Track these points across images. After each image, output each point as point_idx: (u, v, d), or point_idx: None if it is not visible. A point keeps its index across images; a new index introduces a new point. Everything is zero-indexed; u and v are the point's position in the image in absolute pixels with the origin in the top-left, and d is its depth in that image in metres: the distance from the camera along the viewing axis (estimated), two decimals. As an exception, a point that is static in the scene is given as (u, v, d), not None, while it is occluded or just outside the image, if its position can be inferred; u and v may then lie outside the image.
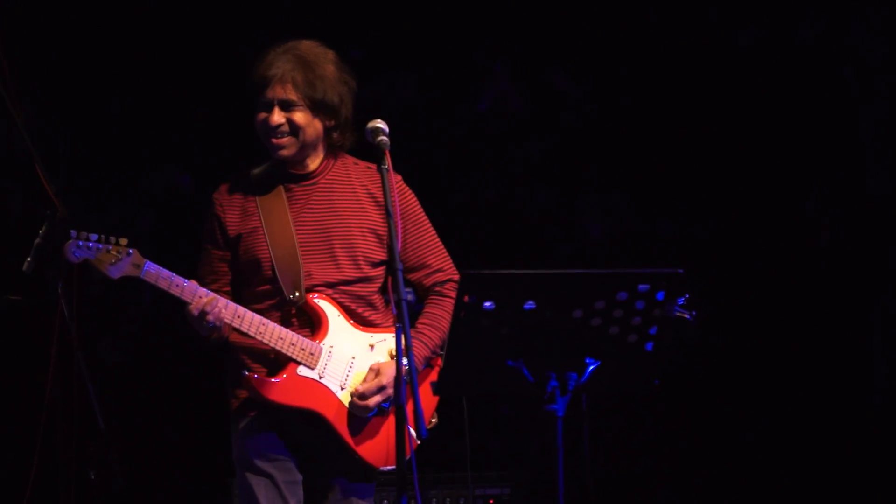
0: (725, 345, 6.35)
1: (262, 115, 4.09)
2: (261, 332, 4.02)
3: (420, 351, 4.13)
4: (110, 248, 3.88)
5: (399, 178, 4.18)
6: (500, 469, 5.70)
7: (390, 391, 4.06)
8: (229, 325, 4.03)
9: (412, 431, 3.66)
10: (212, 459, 5.65)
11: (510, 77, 6.49)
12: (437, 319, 4.21)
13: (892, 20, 6.21)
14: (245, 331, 4.02)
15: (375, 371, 4.10)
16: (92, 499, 4.27)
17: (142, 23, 6.08)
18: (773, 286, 6.37)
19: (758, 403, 6.34)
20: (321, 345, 4.08)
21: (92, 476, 4.30)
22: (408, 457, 3.66)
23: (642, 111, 6.45)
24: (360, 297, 4.15)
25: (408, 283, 4.24)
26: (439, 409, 4.23)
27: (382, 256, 4.18)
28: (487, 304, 3.29)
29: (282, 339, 4.03)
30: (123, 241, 3.91)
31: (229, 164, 4.27)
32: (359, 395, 4.07)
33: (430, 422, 4.21)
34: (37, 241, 3.98)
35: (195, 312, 3.95)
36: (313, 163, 4.18)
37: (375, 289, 4.19)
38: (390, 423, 4.07)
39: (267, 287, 4.09)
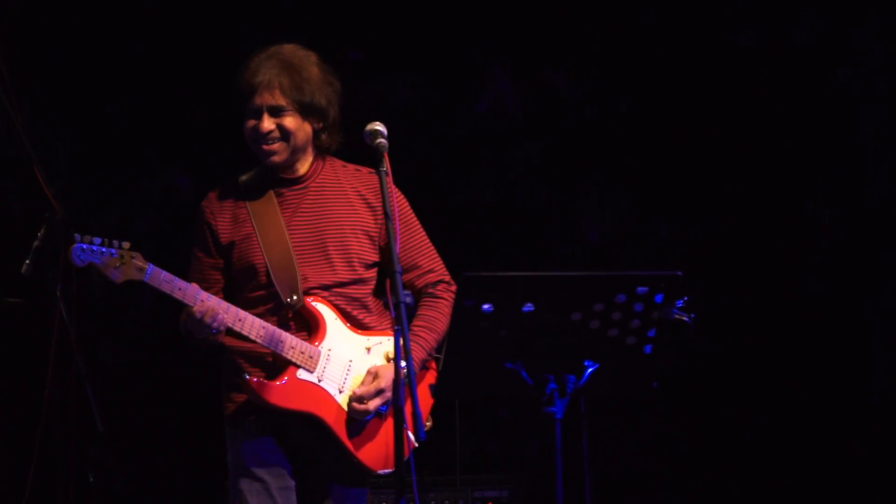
0: (724, 346, 6.35)
1: (252, 122, 4.08)
2: (262, 336, 4.02)
3: (416, 354, 4.11)
4: (114, 251, 3.88)
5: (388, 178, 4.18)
6: (498, 471, 5.69)
7: (389, 394, 4.05)
8: (225, 330, 4.02)
9: (411, 435, 3.65)
10: (210, 461, 5.64)
11: (509, 78, 6.49)
12: (432, 321, 4.20)
13: (891, 20, 6.20)
14: (246, 334, 4.01)
15: (373, 374, 4.09)
16: (91, 501, 4.27)
17: (141, 24, 6.08)
18: (773, 287, 6.36)
19: (757, 404, 6.33)
20: (320, 348, 4.07)
21: (91, 478, 4.30)
22: (406, 458, 3.66)
23: (642, 112, 6.44)
24: (355, 300, 4.14)
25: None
26: (434, 413, 4.23)
27: (375, 258, 4.18)
28: (486, 306, 3.29)
29: (282, 342, 4.03)
30: (126, 245, 3.90)
31: (228, 165, 4.26)
32: (357, 399, 4.06)
33: (426, 424, 4.20)
34: (36, 243, 3.97)
35: (197, 316, 3.94)
36: (303, 167, 4.17)
37: (369, 291, 4.18)
38: (387, 426, 4.07)
39: (262, 292, 4.08)
